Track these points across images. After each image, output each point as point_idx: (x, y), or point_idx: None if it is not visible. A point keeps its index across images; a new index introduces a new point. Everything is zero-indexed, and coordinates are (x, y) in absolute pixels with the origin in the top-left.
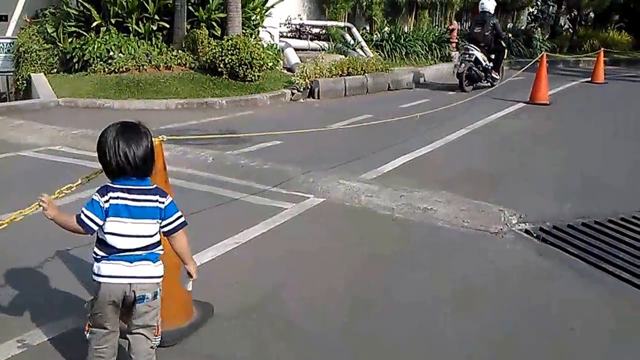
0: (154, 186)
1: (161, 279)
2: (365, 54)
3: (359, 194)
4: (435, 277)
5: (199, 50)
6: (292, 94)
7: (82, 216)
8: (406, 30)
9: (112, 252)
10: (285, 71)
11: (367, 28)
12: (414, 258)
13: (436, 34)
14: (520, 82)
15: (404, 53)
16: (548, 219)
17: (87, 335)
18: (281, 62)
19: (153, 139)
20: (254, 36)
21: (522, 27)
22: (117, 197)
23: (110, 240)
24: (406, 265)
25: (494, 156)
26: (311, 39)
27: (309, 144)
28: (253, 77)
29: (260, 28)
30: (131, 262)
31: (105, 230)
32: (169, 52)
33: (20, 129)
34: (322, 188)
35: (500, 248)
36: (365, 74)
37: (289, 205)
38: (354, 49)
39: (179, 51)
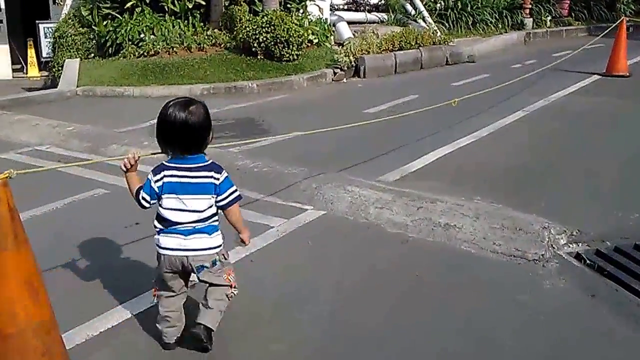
0: (209, 162)
1: (219, 248)
2: (428, 25)
3: (367, 206)
4: (442, 336)
5: (235, 29)
6: (335, 73)
7: (140, 194)
8: None
9: (168, 225)
10: (336, 47)
11: None
12: (419, 306)
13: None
14: (599, 50)
15: (470, 22)
16: (609, 236)
17: (155, 299)
18: (332, 37)
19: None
20: (301, 10)
21: None
22: (172, 175)
23: (166, 214)
24: (406, 319)
25: (547, 148)
26: (369, 11)
27: (330, 135)
28: (291, 57)
29: (308, 1)
30: (186, 235)
31: (161, 206)
32: (204, 32)
33: (18, 125)
34: (326, 197)
35: (539, 284)
36: (420, 48)
37: (278, 223)
38: (414, 20)
39: (215, 30)
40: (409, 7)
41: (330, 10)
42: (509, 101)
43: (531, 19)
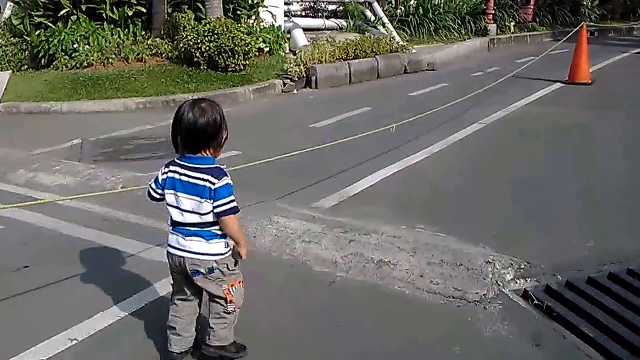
0: (212, 166)
1: (220, 256)
2: (388, 32)
3: (293, 240)
4: None
5: (177, 38)
6: (285, 84)
7: (150, 183)
8: (436, 3)
9: (172, 224)
10: (292, 56)
11: (393, 2)
12: None
13: (470, 5)
14: (563, 56)
15: (432, 29)
16: (562, 268)
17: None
18: (287, 45)
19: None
20: (254, 17)
21: None
22: (175, 172)
23: (169, 210)
24: None
25: (500, 167)
26: (327, 17)
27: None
28: (237, 67)
29: (261, 8)
30: (185, 236)
31: (165, 201)
32: (145, 41)
33: None
34: (248, 231)
35: (478, 332)
36: (377, 57)
37: None
38: (374, 26)
39: (157, 40)
40: (368, 14)
41: (287, 16)
42: (467, 113)
43: (495, 25)
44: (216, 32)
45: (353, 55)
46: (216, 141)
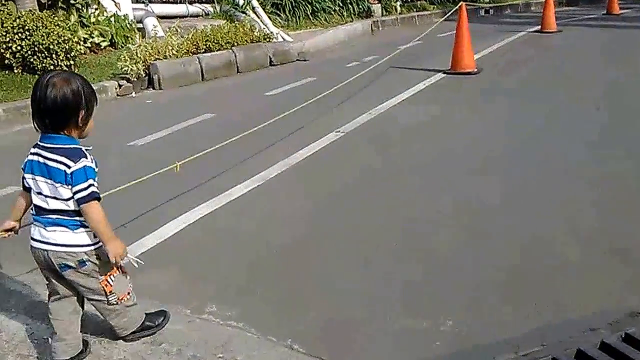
0: (69, 146)
1: (88, 247)
2: (259, 17)
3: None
4: None
5: None
6: (120, 86)
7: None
8: None
9: (35, 212)
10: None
11: None
12: None
13: None
14: (452, 39)
15: (309, 12)
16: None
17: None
18: (138, 37)
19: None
20: (94, 6)
21: None
22: (35, 153)
23: (31, 197)
24: None
25: (349, 202)
26: (190, 2)
27: None
28: (58, 68)
29: None
30: (46, 226)
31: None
32: None
33: None
34: None
35: None
36: (234, 48)
37: None
38: (243, 12)
39: None
40: None
41: (143, 2)
42: (325, 117)
43: (379, 5)
44: (27, 27)
45: (204, 47)
46: (73, 120)
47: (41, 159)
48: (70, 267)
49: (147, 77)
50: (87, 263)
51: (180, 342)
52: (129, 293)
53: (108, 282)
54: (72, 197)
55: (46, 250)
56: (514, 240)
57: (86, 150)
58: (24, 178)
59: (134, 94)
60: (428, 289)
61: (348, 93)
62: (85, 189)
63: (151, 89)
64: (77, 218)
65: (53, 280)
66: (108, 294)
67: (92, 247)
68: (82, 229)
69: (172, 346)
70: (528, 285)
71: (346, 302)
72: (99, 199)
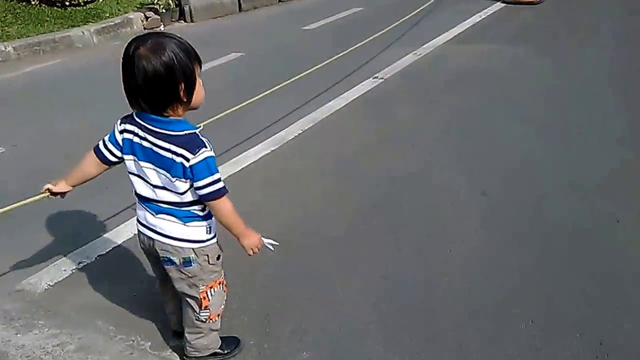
0: (182, 133)
1: (199, 244)
2: None
3: None
4: None
5: None
6: (147, 18)
7: (100, 145)
8: None
9: (136, 195)
10: None
11: None
12: None
13: None
14: None
15: None
16: None
17: None
18: None
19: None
20: None
21: None
22: (132, 132)
23: (132, 179)
24: None
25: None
26: None
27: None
28: (80, 0)
29: None
30: (156, 213)
31: (126, 168)
32: None
33: None
34: None
35: None
36: None
37: None
38: None
39: None
40: None
41: None
42: (366, 58)
43: None
44: None
45: None
46: (172, 97)
47: (146, 143)
48: (173, 262)
49: (177, 8)
50: (192, 264)
51: None
52: (219, 315)
53: (207, 295)
54: (188, 190)
55: (152, 239)
56: None
57: (200, 133)
58: (106, 148)
59: (162, 27)
60: None
61: (398, 28)
62: (211, 184)
63: (182, 21)
64: (191, 208)
65: (155, 266)
66: (202, 308)
67: (204, 245)
68: (195, 222)
69: None
70: None
71: None
72: (225, 191)
